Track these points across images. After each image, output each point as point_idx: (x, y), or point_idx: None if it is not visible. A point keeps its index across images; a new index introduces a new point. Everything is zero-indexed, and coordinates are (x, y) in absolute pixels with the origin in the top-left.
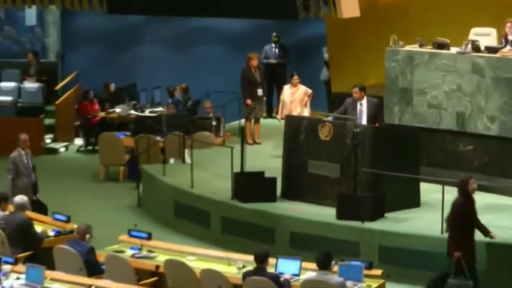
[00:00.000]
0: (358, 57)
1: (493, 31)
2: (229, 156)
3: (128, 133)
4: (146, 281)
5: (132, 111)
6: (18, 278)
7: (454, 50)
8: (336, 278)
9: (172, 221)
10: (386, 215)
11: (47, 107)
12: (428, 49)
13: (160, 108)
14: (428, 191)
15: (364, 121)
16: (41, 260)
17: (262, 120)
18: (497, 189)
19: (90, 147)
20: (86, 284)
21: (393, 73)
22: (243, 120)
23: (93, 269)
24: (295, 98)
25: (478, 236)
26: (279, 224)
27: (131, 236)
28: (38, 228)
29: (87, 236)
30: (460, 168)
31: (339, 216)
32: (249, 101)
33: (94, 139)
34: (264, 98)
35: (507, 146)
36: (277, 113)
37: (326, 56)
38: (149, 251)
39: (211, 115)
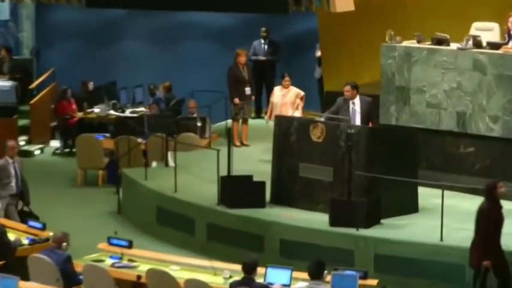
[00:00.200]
0: (352, 54)
1: (495, 26)
2: (215, 159)
3: (108, 135)
4: None
5: (112, 112)
6: None
7: (454, 46)
8: None
9: (154, 228)
10: (382, 221)
11: (20, 107)
12: (426, 45)
13: (142, 108)
14: (427, 195)
15: (357, 121)
16: (14, 270)
17: (250, 121)
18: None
19: (67, 150)
20: None
21: (389, 70)
22: (230, 121)
23: (70, 279)
24: (286, 100)
25: None
26: (268, 231)
27: (111, 244)
28: (12, 236)
29: (64, 244)
30: (461, 172)
31: (332, 222)
32: (236, 100)
33: (71, 141)
34: (253, 97)
35: (510, 148)
36: (266, 113)
37: (319, 53)
38: (130, 260)
39: (196, 115)
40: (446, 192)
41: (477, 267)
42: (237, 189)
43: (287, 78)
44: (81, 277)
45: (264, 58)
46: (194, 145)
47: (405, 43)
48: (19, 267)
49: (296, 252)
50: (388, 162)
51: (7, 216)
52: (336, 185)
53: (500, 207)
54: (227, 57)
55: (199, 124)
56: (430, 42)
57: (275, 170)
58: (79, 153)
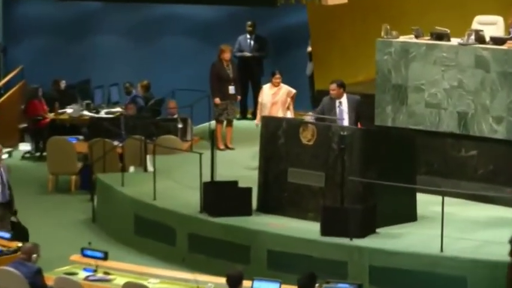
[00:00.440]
0: (345, 50)
1: (499, 19)
2: (198, 163)
3: (81, 137)
4: None
5: (86, 112)
6: None
7: (455, 41)
8: None
9: (132, 238)
10: (377, 230)
11: None
12: (425, 40)
13: (118, 109)
14: (426, 203)
15: (345, 122)
16: None
17: (235, 122)
18: (505, 201)
19: (37, 154)
20: None
21: (385, 68)
22: (213, 122)
23: None
24: (276, 99)
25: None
26: (254, 241)
27: (84, 255)
28: None
29: (34, 255)
30: (462, 177)
31: (324, 232)
32: (217, 100)
33: (42, 144)
34: (238, 97)
35: None
36: (252, 114)
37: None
38: (105, 273)
39: (176, 116)
40: (446, 199)
41: None
42: (221, 196)
43: (278, 76)
44: None
45: (249, 54)
46: (175, 148)
47: (402, 38)
48: None
49: (285, 263)
50: (384, 167)
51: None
52: (327, 191)
53: None
54: (210, 53)
55: (180, 126)
56: (429, 37)
57: (262, 176)
58: (50, 157)
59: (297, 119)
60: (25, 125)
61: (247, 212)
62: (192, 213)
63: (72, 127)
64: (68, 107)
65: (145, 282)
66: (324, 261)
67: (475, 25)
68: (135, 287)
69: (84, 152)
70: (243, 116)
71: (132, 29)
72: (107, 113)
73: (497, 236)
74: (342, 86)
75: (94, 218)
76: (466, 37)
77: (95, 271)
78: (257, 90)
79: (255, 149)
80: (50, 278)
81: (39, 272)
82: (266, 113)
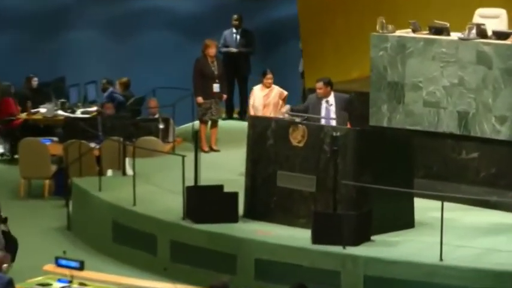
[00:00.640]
0: (338, 45)
1: (502, 12)
2: (180, 166)
3: (55, 138)
4: None
5: (60, 112)
6: None
7: (455, 35)
8: None
9: (110, 247)
10: (372, 238)
11: None
12: (423, 34)
13: (95, 108)
14: (424, 208)
15: (332, 123)
16: None
17: (220, 122)
18: (508, 206)
19: (7, 156)
20: None
21: (381, 64)
22: (197, 123)
23: None
24: (269, 101)
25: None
26: (241, 250)
27: (59, 265)
28: None
29: (4, 265)
30: (463, 181)
31: (315, 239)
32: (199, 99)
33: (14, 146)
34: (224, 96)
35: None
36: (239, 114)
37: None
38: (81, 284)
39: (157, 116)
40: (446, 204)
41: None
42: (206, 202)
43: (269, 76)
44: None
45: (236, 50)
46: (156, 150)
47: (398, 32)
48: None
49: (273, 273)
50: (380, 170)
51: None
52: (319, 196)
53: None
54: (194, 49)
55: (161, 126)
56: (427, 32)
57: (249, 179)
58: (22, 160)
59: (287, 119)
60: None
61: (234, 218)
62: (174, 219)
63: (45, 128)
64: (42, 106)
65: None
66: (315, 270)
67: (476, 18)
68: None
69: (59, 154)
70: (229, 116)
71: (110, 23)
72: (83, 113)
73: (501, 243)
74: (329, 84)
75: (69, 225)
76: (466, 31)
77: (70, 282)
78: (244, 88)
79: (241, 151)
80: None
81: (10, 283)
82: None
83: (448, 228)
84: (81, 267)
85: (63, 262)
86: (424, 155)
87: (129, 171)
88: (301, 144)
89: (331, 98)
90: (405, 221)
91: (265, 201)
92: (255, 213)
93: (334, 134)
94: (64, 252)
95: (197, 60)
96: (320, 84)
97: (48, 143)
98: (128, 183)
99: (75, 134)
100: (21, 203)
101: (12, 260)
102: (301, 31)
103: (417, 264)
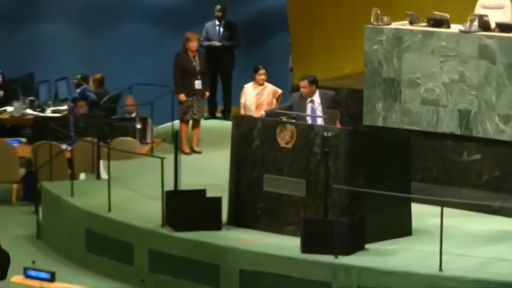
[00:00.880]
0: (329, 39)
1: (506, 3)
2: (159, 169)
3: (24, 139)
4: None
5: (29, 111)
6: None
7: (455, 27)
8: None
9: (83, 256)
10: (367, 246)
11: None
12: (421, 27)
13: (66, 107)
14: (423, 214)
15: (318, 123)
16: None
17: (203, 122)
18: None
19: None
20: None
21: (375, 59)
22: (177, 122)
23: None
24: (261, 101)
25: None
26: (225, 260)
27: (28, 276)
28: None
29: None
30: (464, 184)
31: (305, 248)
32: (182, 96)
33: None
34: (206, 93)
35: None
36: (222, 113)
37: None
38: None
39: (134, 115)
40: (446, 210)
41: None
42: (186, 208)
43: (262, 71)
44: None
45: (219, 44)
46: (132, 152)
47: (394, 24)
48: None
49: (259, 285)
50: (374, 173)
51: None
52: (309, 201)
53: None
54: (174, 43)
55: (138, 126)
56: (425, 24)
57: (234, 183)
58: None
59: (274, 119)
60: None
61: (217, 225)
62: (152, 227)
63: (13, 128)
64: (9, 104)
65: None
66: (305, 282)
67: (478, 9)
68: None
69: (28, 156)
70: (212, 115)
71: (83, 15)
72: (53, 112)
73: (504, 252)
74: (314, 82)
75: (39, 233)
76: (468, 23)
77: None
78: (227, 84)
79: (225, 153)
80: None
81: None
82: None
83: (448, 236)
84: (52, 279)
85: (33, 273)
86: (422, 157)
87: (104, 174)
88: (289, 146)
89: (316, 97)
90: (402, 228)
91: (250, 207)
92: (239, 220)
93: (325, 134)
94: (33, 262)
95: (177, 54)
96: (304, 83)
97: (15, 145)
98: (103, 188)
99: (45, 134)
100: None
101: (3, 277)
102: (289, 23)
103: (415, 274)
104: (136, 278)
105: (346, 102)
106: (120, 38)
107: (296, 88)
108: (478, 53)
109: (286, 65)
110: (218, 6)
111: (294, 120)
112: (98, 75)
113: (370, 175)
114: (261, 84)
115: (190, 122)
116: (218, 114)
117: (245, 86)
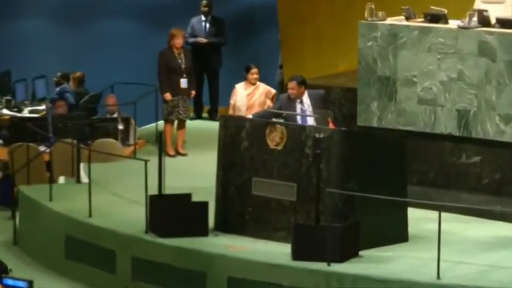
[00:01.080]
0: (321, 35)
1: None
2: (143, 172)
3: (0, 141)
4: None
5: (5, 111)
6: None
7: (453, 23)
8: None
9: (62, 264)
10: (361, 253)
11: None
12: (418, 22)
13: (44, 106)
14: (420, 219)
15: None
16: None
17: (188, 123)
18: None
19: None
20: None
21: (370, 56)
22: (161, 123)
23: None
24: (253, 101)
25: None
26: (212, 267)
27: (4, 285)
28: None
29: None
30: (463, 188)
31: (296, 255)
32: (167, 96)
33: None
34: (192, 92)
35: None
36: (208, 113)
37: None
38: None
39: (116, 115)
40: (444, 215)
41: None
42: (171, 213)
43: (254, 70)
44: None
45: (205, 40)
46: (114, 154)
47: (390, 20)
48: None
49: None
50: (369, 176)
51: None
52: (300, 206)
53: None
54: (158, 39)
55: (121, 127)
56: (422, 19)
57: (221, 187)
58: None
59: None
60: None
61: (203, 231)
62: (135, 233)
63: None
64: None
65: None
66: None
67: (478, 4)
68: None
69: (4, 159)
70: (198, 116)
71: (62, 10)
72: (31, 112)
73: (505, 259)
74: (302, 83)
75: (16, 239)
76: (467, 19)
77: None
78: (214, 83)
79: (212, 155)
80: None
81: None
82: None
83: (446, 243)
84: (30, 287)
85: (9, 282)
86: (419, 159)
87: (84, 178)
88: (279, 147)
89: (305, 98)
90: (398, 234)
91: (238, 212)
92: (227, 225)
93: (317, 135)
94: (10, 270)
95: (162, 52)
96: (293, 84)
97: None
98: (83, 192)
99: (22, 136)
100: None
101: None
102: (279, 18)
103: (411, 282)
104: (118, 286)
105: (339, 102)
106: (102, 34)
107: (283, 86)
108: (477, 50)
109: (276, 63)
110: (204, 1)
111: (283, 121)
112: (78, 74)
113: (364, 178)
114: (253, 84)
115: (176, 122)
116: (204, 115)
117: (236, 85)
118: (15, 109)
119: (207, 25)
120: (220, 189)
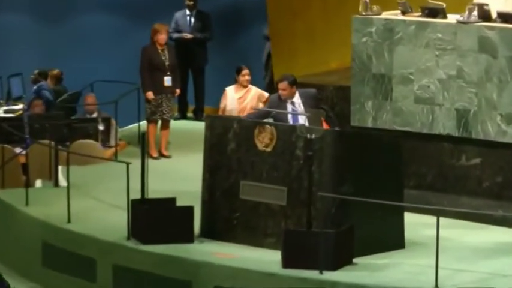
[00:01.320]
0: (313, 31)
1: None
2: (124, 175)
3: None
4: None
5: None
6: None
7: (452, 17)
8: None
9: (39, 272)
10: (354, 260)
11: None
12: (415, 17)
13: (21, 106)
14: (417, 225)
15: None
16: None
17: (173, 123)
18: None
19: None
20: None
21: (364, 52)
22: (144, 123)
23: None
24: (245, 105)
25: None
26: (197, 276)
27: None
28: None
29: None
30: (463, 192)
31: (287, 263)
32: (150, 94)
33: None
34: (177, 91)
35: None
36: (193, 112)
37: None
38: None
39: (96, 115)
40: (442, 220)
41: None
42: (155, 218)
43: (245, 72)
44: None
45: (190, 36)
46: (94, 157)
47: (385, 14)
48: None
49: None
50: (363, 179)
51: None
52: (291, 210)
53: None
54: (140, 35)
55: (101, 127)
56: (419, 13)
57: (207, 191)
58: None
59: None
60: None
61: (188, 238)
62: (117, 239)
63: None
64: None
65: None
66: None
67: None
68: None
69: None
70: (182, 115)
71: (38, 5)
72: (6, 112)
73: (506, 266)
74: (294, 83)
75: None
76: (466, 13)
77: None
78: (200, 81)
79: (197, 157)
80: None
81: None
82: None
83: (444, 249)
84: None
85: None
86: (416, 161)
87: (63, 181)
88: (269, 149)
89: (296, 98)
90: (394, 240)
91: (226, 217)
92: (214, 231)
93: (309, 136)
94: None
95: (144, 48)
96: (284, 85)
97: None
98: (61, 196)
99: None
100: None
101: None
102: (268, 12)
103: None
104: None
105: (331, 101)
106: (81, 29)
107: (275, 86)
108: (477, 46)
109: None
110: None
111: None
112: (56, 71)
113: (359, 181)
114: (245, 87)
115: (159, 122)
116: (189, 114)
117: (226, 88)
118: None
119: (192, 20)
120: (206, 193)
